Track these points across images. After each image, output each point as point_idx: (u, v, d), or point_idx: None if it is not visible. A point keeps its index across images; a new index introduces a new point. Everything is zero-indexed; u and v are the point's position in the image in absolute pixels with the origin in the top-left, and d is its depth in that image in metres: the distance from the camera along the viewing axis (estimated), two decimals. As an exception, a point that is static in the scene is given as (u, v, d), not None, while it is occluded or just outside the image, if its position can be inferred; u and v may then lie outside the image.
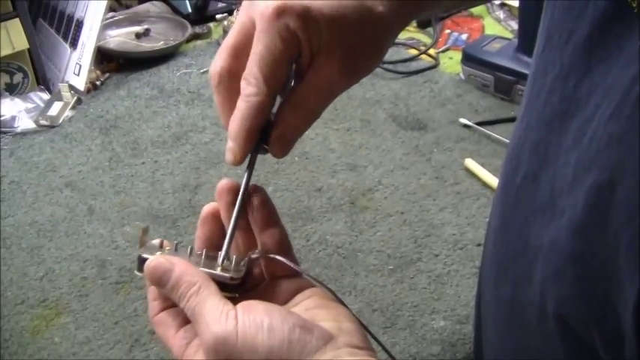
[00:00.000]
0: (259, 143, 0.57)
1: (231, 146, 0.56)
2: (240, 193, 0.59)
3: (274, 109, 0.57)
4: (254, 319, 0.50)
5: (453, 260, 1.18)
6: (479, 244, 1.21)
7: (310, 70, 0.54)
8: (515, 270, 0.57)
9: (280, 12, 0.51)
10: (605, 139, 0.44)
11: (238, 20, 0.55)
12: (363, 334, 0.54)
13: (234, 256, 0.57)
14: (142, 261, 0.56)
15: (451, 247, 1.21)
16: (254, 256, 0.59)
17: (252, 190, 0.60)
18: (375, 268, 1.17)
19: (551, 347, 0.52)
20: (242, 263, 0.58)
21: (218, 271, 0.56)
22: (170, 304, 0.57)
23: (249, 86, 0.53)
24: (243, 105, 0.54)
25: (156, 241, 0.59)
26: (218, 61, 0.56)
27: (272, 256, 0.60)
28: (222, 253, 0.58)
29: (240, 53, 0.54)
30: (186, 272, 0.54)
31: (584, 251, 0.45)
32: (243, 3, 0.55)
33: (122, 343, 1.04)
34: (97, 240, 1.25)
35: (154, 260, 0.55)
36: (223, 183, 0.59)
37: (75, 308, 1.11)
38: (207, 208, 0.61)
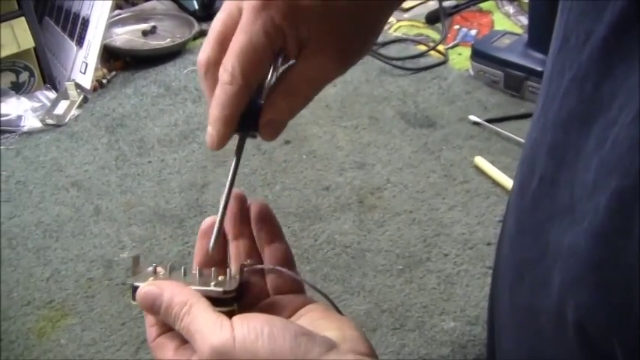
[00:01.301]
0: (247, 128, 0.57)
1: (210, 131, 0.55)
2: (227, 185, 0.58)
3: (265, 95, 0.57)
4: (253, 326, 0.49)
5: (462, 260, 1.16)
6: (489, 244, 1.19)
7: (301, 59, 0.54)
8: (532, 276, 0.56)
9: (266, 4, 0.50)
10: (627, 143, 0.43)
11: (226, 7, 0.54)
12: (367, 342, 0.53)
13: (229, 270, 0.57)
14: (134, 290, 0.56)
15: (461, 246, 1.19)
16: (246, 267, 0.59)
17: (252, 203, 0.60)
18: (384, 268, 1.15)
19: (568, 356, 0.51)
20: (234, 275, 0.57)
21: (212, 286, 0.55)
22: (167, 328, 0.56)
23: (226, 75, 0.53)
24: (220, 93, 0.54)
25: (150, 268, 0.59)
26: (205, 50, 0.55)
27: (269, 266, 0.59)
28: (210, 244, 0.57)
29: (226, 42, 0.54)
30: (176, 293, 0.53)
31: (605, 258, 0.44)
32: None
33: (129, 344, 1.03)
34: (104, 240, 1.24)
35: (143, 288, 0.54)
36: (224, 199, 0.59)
37: (81, 309, 1.10)
38: (208, 221, 0.60)
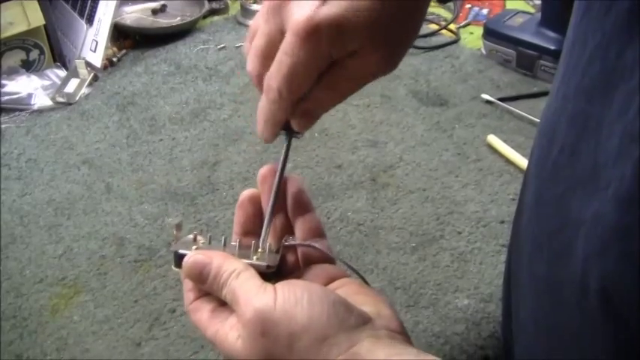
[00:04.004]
0: (292, 130, 0.61)
1: (260, 130, 0.60)
2: (276, 178, 0.61)
3: None
4: (294, 292, 0.51)
5: (476, 238, 1.16)
6: (502, 222, 1.19)
7: (350, 62, 0.55)
8: (552, 246, 0.56)
9: (314, 30, 0.51)
10: None
11: (265, 28, 0.56)
12: (399, 320, 0.54)
13: (268, 244, 0.58)
14: (178, 257, 0.58)
15: (474, 224, 1.19)
16: (287, 243, 0.60)
17: (288, 178, 0.63)
18: (397, 246, 1.15)
19: (590, 327, 0.50)
20: (276, 251, 0.59)
21: (254, 260, 0.57)
22: (203, 293, 0.58)
23: (272, 93, 0.55)
24: (267, 105, 0.57)
25: (190, 236, 0.60)
26: (252, 64, 0.58)
27: (306, 242, 0.61)
28: (262, 237, 0.59)
29: (268, 55, 0.56)
30: (226, 261, 0.55)
31: (632, 224, 0.44)
32: (272, 3, 0.55)
33: (142, 321, 1.03)
34: (116, 218, 1.23)
35: (191, 257, 0.56)
36: (266, 169, 0.62)
37: (94, 287, 1.10)
38: (246, 194, 0.64)
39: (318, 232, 0.63)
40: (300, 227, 0.62)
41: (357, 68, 0.55)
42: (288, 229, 0.63)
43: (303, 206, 0.63)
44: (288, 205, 0.63)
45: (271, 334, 0.49)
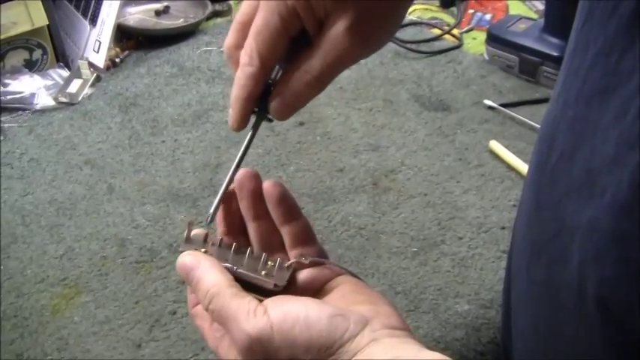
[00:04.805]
0: (263, 109, 0.59)
1: (230, 113, 0.59)
2: (237, 158, 0.61)
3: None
4: (288, 311, 0.50)
5: (477, 243, 1.16)
6: (503, 228, 1.19)
7: (319, 37, 0.54)
8: (549, 252, 0.56)
9: None
10: None
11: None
12: (399, 315, 0.53)
13: (279, 260, 0.57)
14: None
15: (475, 229, 1.19)
16: (301, 260, 0.59)
17: (271, 184, 0.62)
18: (398, 251, 1.15)
19: (589, 331, 0.51)
20: (286, 265, 0.58)
21: (262, 275, 0.56)
22: None
23: (244, 56, 0.54)
24: (239, 74, 0.56)
25: (201, 236, 0.59)
26: (229, 37, 0.58)
27: (321, 260, 0.60)
28: (211, 212, 0.59)
29: (247, 27, 0.55)
30: (206, 274, 0.54)
31: (628, 231, 0.44)
32: None
33: (142, 323, 1.03)
34: (117, 219, 1.23)
35: (180, 258, 0.56)
36: (242, 172, 0.61)
37: (95, 287, 1.10)
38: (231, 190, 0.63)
39: (308, 238, 0.62)
40: (288, 233, 0.61)
41: (327, 44, 0.53)
42: (273, 234, 0.63)
43: (290, 212, 0.62)
44: (275, 212, 0.62)
45: (273, 358, 0.49)
